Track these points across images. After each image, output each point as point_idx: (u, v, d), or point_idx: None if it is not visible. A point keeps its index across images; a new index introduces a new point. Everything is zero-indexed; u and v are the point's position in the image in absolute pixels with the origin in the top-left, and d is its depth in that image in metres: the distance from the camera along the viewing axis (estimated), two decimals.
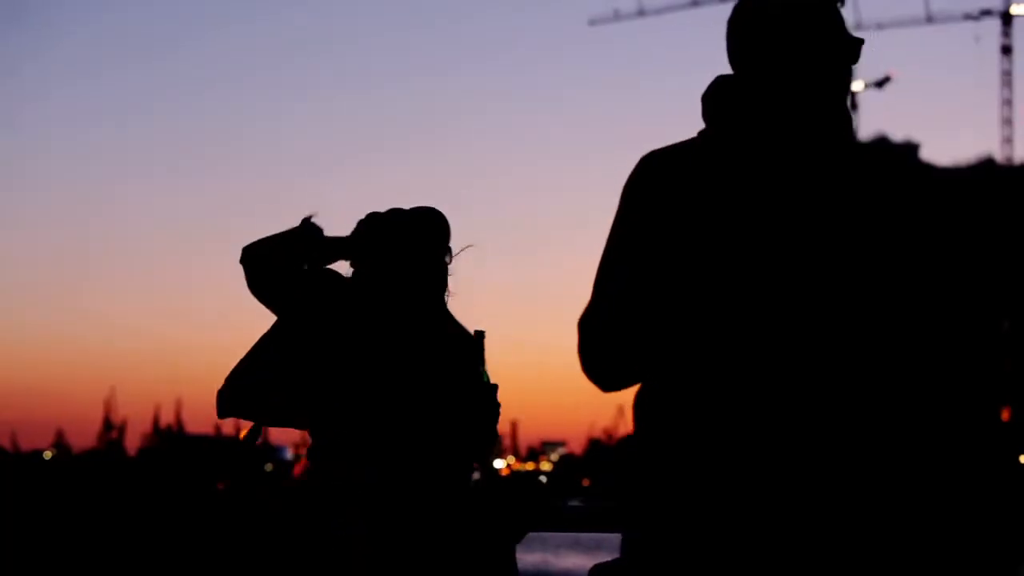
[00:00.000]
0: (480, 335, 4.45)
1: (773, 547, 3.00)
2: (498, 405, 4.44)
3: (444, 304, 4.54)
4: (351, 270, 4.55)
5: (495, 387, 4.44)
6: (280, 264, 4.45)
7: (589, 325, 3.15)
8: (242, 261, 4.49)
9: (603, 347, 3.13)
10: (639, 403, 3.20)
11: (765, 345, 3.04)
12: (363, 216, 4.54)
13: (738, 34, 3.31)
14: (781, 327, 3.05)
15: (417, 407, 4.35)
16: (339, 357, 4.44)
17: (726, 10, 3.54)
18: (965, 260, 3.24)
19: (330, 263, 4.55)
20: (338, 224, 4.66)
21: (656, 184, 3.17)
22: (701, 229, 3.10)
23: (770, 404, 3.02)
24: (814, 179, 3.16)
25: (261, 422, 4.65)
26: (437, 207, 4.56)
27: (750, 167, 3.16)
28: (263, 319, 4.60)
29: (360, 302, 4.47)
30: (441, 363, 4.40)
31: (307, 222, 4.53)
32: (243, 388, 4.55)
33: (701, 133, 3.28)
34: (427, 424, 4.35)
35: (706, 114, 3.29)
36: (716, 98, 3.29)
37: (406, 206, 4.56)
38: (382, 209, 4.54)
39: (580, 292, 3.46)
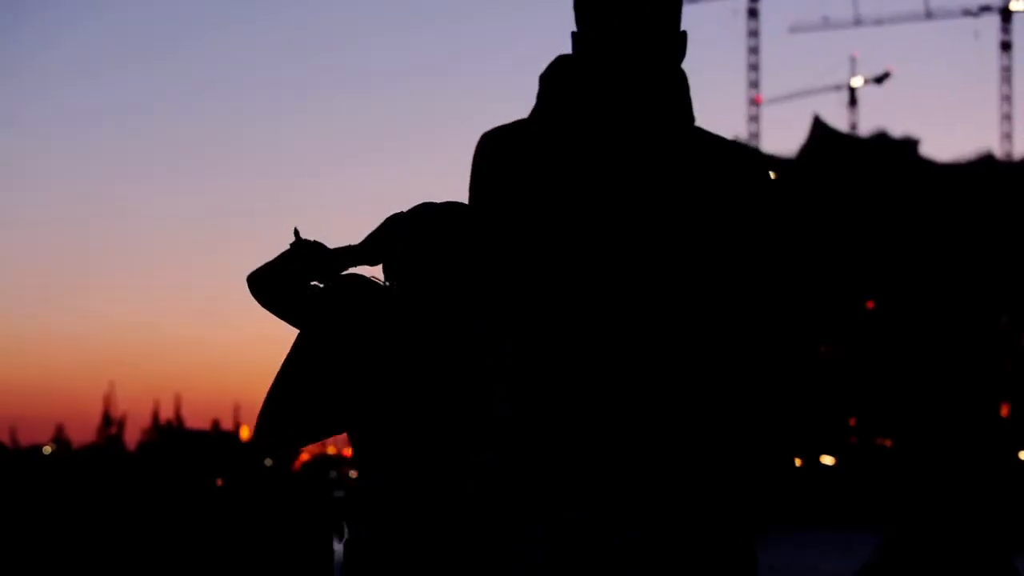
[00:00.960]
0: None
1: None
2: None
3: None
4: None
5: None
6: (284, 289, 4.41)
7: None
8: (251, 291, 4.47)
9: None
10: None
11: (569, 324, 3.16)
12: (380, 216, 4.45)
13: (578, 10, 3.38)
14: (584, 308, 3.16)
15: (430, 411, 4.31)
16: (358, 364, 4.39)
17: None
18: (773, 249, 3.25)
19: (339, 273, 4.45)
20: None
21: (488, 161, 3.33)
22: (522, 205, 3.24)
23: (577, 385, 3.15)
24: (629, 160, 3.22)
25: (301, 444, 4.62)
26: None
27: (570, 147, 3.24)
28: (262, 316, 4.57)
29: (388, 310, 4.39)
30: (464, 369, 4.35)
31: (299, 241, 4.43)
32: (282, 416, 4.52)
33: (533, 112, 3.35)
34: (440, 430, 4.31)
35: (540, 93, 3.36)
36: (550, 78, 3.35)
37: (398, 208, 4.48)
38: (377, 209, 4.50)
39: None
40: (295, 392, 4.44)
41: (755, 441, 3.18)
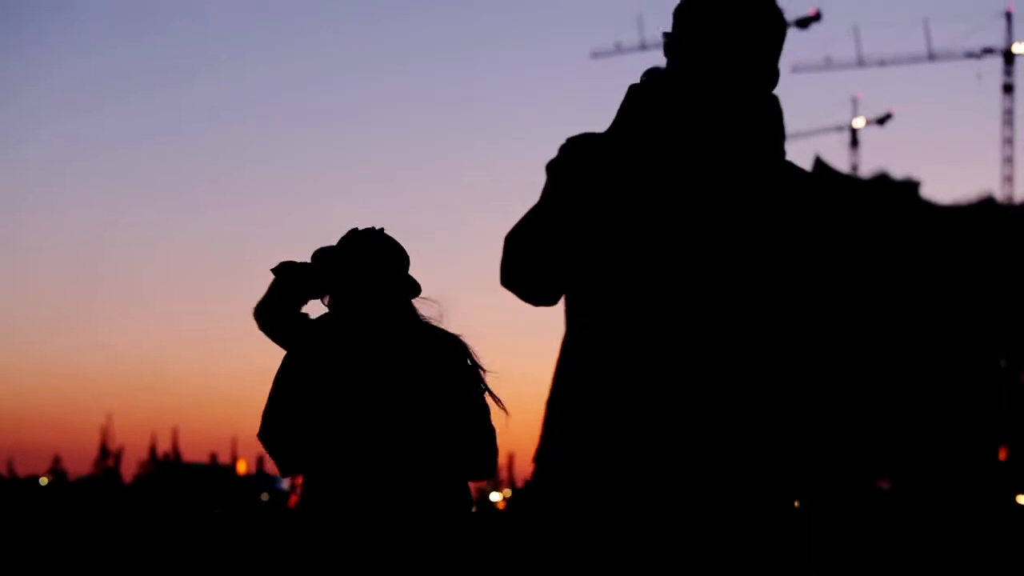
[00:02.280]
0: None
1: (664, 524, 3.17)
2: (491, 428, 4.50)
3: (415, 315, 4.72)
4: (328, 306, 4.81)
5: (486, 410, 4.52)
6: (283, 312, 4.76)
7: (514, 240, 3.34)
8: (258, 321, 4.82)
9: (525, 259, 3.32)
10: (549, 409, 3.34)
11: (654, 335, 3.20)
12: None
13: (679, 24, 3.39)
14: (669, 316, 3.19)
15: (394, 418, 4.43)
16: (325, 382, 4.57)
17: None
18: (842, 271, 3.36)
19: (316, 287, 4.77)
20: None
21: (581, 163, 3.32)
22: (611, 211, 3.25)
23: (661, 390, 3.17)
24: (714, 176, 3.26)
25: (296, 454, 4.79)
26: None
27: (662, 163, 3.27)
28: (261, 350, 4.75)
29: (336, 331, 4.64)
30: (419, 373, 4.49)
31: (277, 268, 4.86)
32: (281, 427, 4.73)
33: (616, 129, 3.38)
34: (406, 436, 4.42)
35: (628, 111, 3.37)
36: (641, 97, 3.37)
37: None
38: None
39: None
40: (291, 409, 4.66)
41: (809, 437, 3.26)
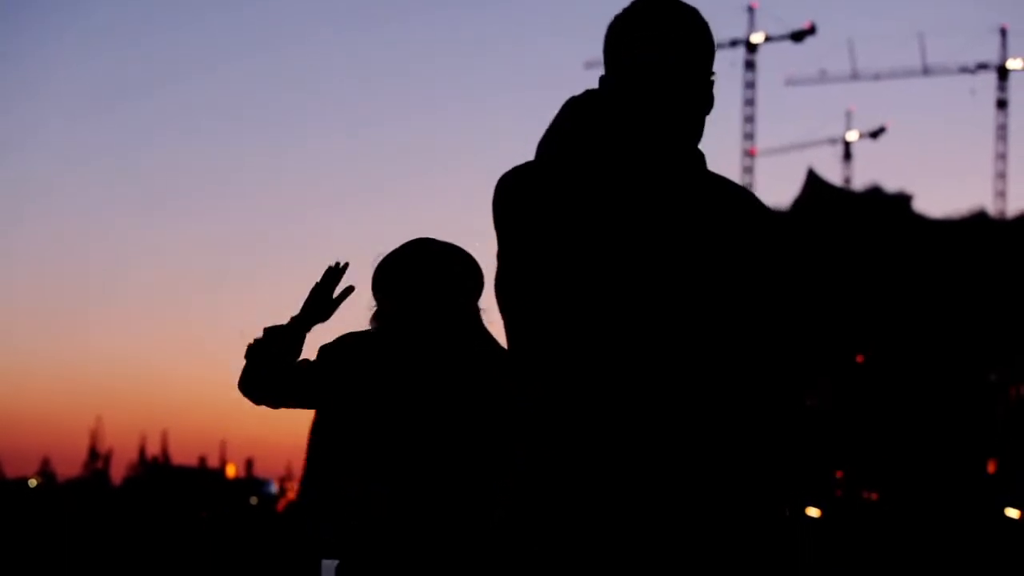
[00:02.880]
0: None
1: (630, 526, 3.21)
2: None
3: (462, 323, 4.57)
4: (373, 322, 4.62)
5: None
6: (275, 384, 4.59)
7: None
8: (252, 397, 4.67)
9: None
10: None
11: (605, 350, 3.23)
12: (366, 258, 4.61)
13: (608, 39, 3.43)
14: (616, 330, 3.23)
15: (426, 424, 4.36)
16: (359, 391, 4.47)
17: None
18: (774, 276, 3.38)
19: (303, 333, 4.64)
20: (329, 263, 4.73)
21: (512, 200, 3.36)
22: (548, 240, 3.28)
23: (615, 404, 3.22)
24: (647, 192, 3.30)
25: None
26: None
27: (593, 184, 3.30)
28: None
29: (375, 346, 4.51)
30: (455, 382, 4.41)
31: (257, 341, 4.66)
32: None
33: (544, 152, 3.41)
34: (435, 441, 4.35)
35: (557, 133, 3.41)
36: (570, 117, 3.40)
37: (395, 245, 4.64)
38: (373, 248, 4.61)
39: None
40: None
41: (765, 450, 3.30)
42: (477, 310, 4.58)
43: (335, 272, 4.70)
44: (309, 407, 4.56)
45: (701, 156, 3.42)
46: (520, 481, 3.37)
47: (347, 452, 4.44)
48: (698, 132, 3.41)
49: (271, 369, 4.60)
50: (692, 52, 3.36)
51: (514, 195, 3.37)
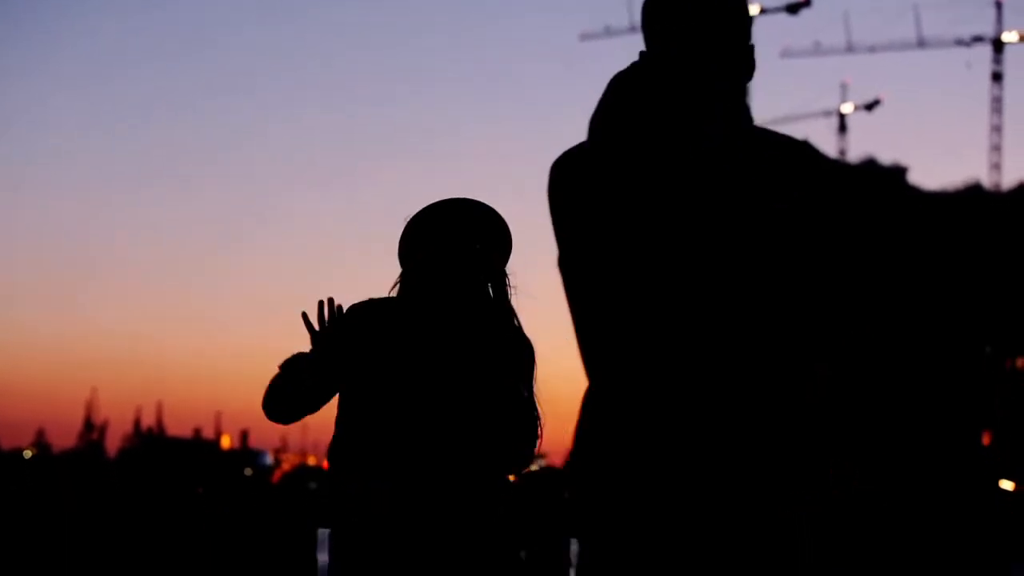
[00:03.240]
0: None
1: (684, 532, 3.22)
2: (535, 419, 4.37)
3: (489, 302, 4.44)
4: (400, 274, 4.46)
5: (532, 400, 4.38)
6: (300, 393, 4.42)
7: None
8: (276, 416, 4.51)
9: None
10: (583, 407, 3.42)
11: (662, 346, 3.24)
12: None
13: (646, 12, 3.43)
14: (669, 327, 3.24)
15: (437, 411, 4.29)
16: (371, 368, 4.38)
17: None
18: (834, 257, 3.37)
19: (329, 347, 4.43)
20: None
21: (564, 185, 3.39)
22: (655, 243, 3.26)
23: (668, 403, 3.22)
24: (696, 170, 3.29)
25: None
26: None
27: (640, 163, 3.30)
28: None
29: (399, 314, 4.40)
30: (472, 366, 4.33)
31: (287, 365, 4.46)
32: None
33: (595, 128, 3.41)
34: (446, 430, 4.29)
35: (606, 110, 3.40)
36: (617, 93, 3.39)
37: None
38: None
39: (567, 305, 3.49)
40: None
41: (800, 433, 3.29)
42: (505, 274, 4.48)
43: (321, 309, 4.45)
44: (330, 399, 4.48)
45: (746, 119, 3.40)
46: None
47: (358, 436, 4.39)
48: (742, 102, 3.38)
49: (303, 396, 4.45)
50: (729, 23, 3.35)
51: (569, 179, 3.38)
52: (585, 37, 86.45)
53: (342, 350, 4.35)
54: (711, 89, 3.32)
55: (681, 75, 3.31)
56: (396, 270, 4.49)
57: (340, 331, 4.35)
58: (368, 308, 4.45)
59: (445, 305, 4.39)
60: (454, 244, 4.37)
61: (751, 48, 3.42)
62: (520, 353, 4.40)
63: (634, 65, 3.41)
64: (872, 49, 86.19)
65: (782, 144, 3.37)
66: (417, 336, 4.36)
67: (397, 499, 4.27)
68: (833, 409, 3.33)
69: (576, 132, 3.56)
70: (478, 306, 4.42)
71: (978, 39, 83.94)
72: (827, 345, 3.31)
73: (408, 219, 4.46)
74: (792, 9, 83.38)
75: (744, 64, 3.40)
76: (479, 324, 4.40)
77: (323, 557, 5.73)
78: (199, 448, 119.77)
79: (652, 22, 3.39)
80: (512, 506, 4.41)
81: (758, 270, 3.25)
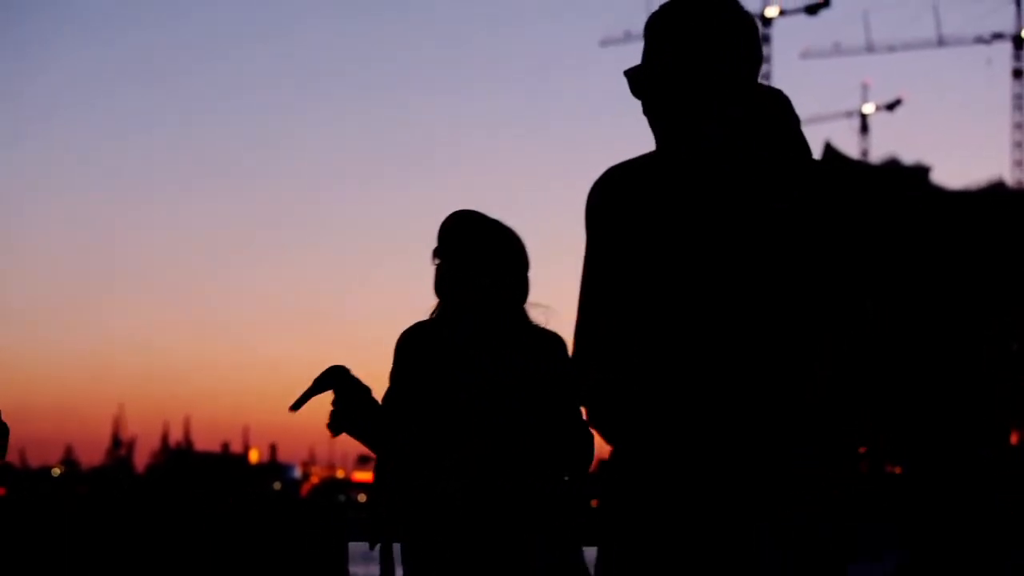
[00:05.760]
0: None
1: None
2: (584, 426, 4.40)
3: (525, 316, 4.53)
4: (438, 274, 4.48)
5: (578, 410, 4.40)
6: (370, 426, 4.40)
7: (599, 393, 3.36)
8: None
9: (619, 422, 3.33)
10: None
11: (695, 360, 3.23)
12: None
13: (655, 37, 3.37)
14: (709, 344, 3.23)
15: (494, 417, 4.33)
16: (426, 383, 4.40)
17: None
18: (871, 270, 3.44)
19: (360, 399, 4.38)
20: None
21: (620, 201, 3.34)
22: (658, 246, 3.27)
23: (699, 411, 3.23)
24: (749, 196, 3.28)
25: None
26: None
27: (691, 185, 3.29)
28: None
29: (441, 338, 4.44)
30: (522, 374, 4.37)
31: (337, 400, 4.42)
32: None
33: (659, 151, 3.38)
34: (504, 435, 4.32)
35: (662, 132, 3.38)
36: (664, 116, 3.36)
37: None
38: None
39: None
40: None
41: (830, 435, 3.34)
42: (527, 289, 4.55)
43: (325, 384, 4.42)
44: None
45: (801, 143, 3.40)
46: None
47: (417, 441, 4.40)
48: (742, 102, 3.35)
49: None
50: (741, 32, 3.33)
51: (615, 191, 3.36)
52: (605, 43, 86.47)
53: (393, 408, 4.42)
54: (710, 90, 3.30)
55: (682, 79, 3.30)
56: (422, 279, 4.52)
57: (367, 399, 4.37)
58: (422, 333, 4.50)
59: (503, 326, 4.45)
60: (518, 274, 4.48)
61: (757, 59, 3.37)
62: (564, 360, 4.42)
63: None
64: (892, 49, 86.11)
65: (781, 144, 3.36)
66: (483, 357, 4.42)
67: (469, 498, 4.31)
68: (835, 409, 3.33)
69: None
70: (525, 325, 4.50)
71: (998, 36, 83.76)
72: (829, 345, 3.30)
73: (452, 230, 4.50)
74: (811, 10, 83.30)
75: (754, 75, 3.37)
76: (531, 342, 4.48)
77: (355, 570, 5.71)
78: (227, 463, 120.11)
79: (659, 35, 3.36)
80: (581, 510, 4.48)
81: (760, 271, 3.24)
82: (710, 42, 3.30)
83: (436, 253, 4.47)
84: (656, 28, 3.35)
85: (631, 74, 3.36)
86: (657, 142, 3.38)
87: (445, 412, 4.36)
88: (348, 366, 4.38)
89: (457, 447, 4.34)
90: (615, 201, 3.35)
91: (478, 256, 4.44)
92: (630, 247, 3.30)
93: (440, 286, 4.48)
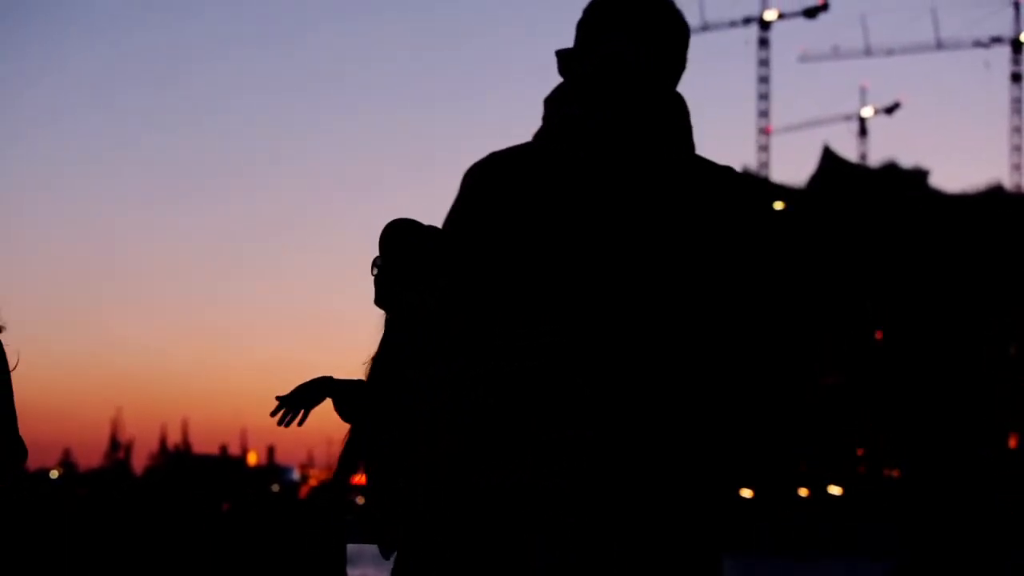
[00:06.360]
0: None
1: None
2: None
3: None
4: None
5: None
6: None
7: None
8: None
9: None
10: None
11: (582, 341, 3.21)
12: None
13: (582, 32, 3.40)
14: (582, 327, 3.22)
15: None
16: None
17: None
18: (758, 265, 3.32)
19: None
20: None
21: (492, 186, 3.36)
22: (525, 233, 3.27)
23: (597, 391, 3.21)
24: (629, 185, 3.27)
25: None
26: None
27: (570, 171, 3.29)
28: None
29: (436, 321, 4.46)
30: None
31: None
32: None
33: (537, 136, 3.39)
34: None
35: (544, 117, 3.39)
36: (554, 102, 3.38)
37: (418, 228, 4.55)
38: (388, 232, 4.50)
39: None
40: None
41: (734, 455, 3.27)
42: None
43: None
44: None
45: (686, 137, 3.38)
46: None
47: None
48: (677, 111, 3.36)
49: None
50: (666, 42, 3.34)
51: (485, 180, 3.39)
52: None
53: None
54: (656, 113, 3.32)
55: (616, 97, 3.31)
56: None
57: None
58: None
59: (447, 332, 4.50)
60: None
61: (683, 66, 3.39)
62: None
63: (565, 70, 3.41)
64: (891, 52, 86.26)
65: (716, 171, 3.34)
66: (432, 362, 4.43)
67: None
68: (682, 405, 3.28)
69: None
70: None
71: (997, 40, 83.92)
72: (766, 368, 3.29)
73: (387, 239, 4.50)
74: (810, 13, 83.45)
75: (676, 76, 3.38)
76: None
77: (353, 572, 5.71)
78: (226, 465, 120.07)
79: (587, 34, 3.37)
80: None
81: (697, 295, 3.23)
82: (657, 37, 3.33)
83: (375, 263, 4.45)
84: (605, 14, 3.36)
85: (564, 55, 3.37)
86: (545, 126, 3.37)
87: (403, 415, 4.37)
88: (335, 374, 4.39)
89: (418, 449, 4.33)
90: (492, 187, 3.36)
91: (410, 266, 4.44)
92: (499, 234, 3.31)
93: (379, 297, 4.48)
